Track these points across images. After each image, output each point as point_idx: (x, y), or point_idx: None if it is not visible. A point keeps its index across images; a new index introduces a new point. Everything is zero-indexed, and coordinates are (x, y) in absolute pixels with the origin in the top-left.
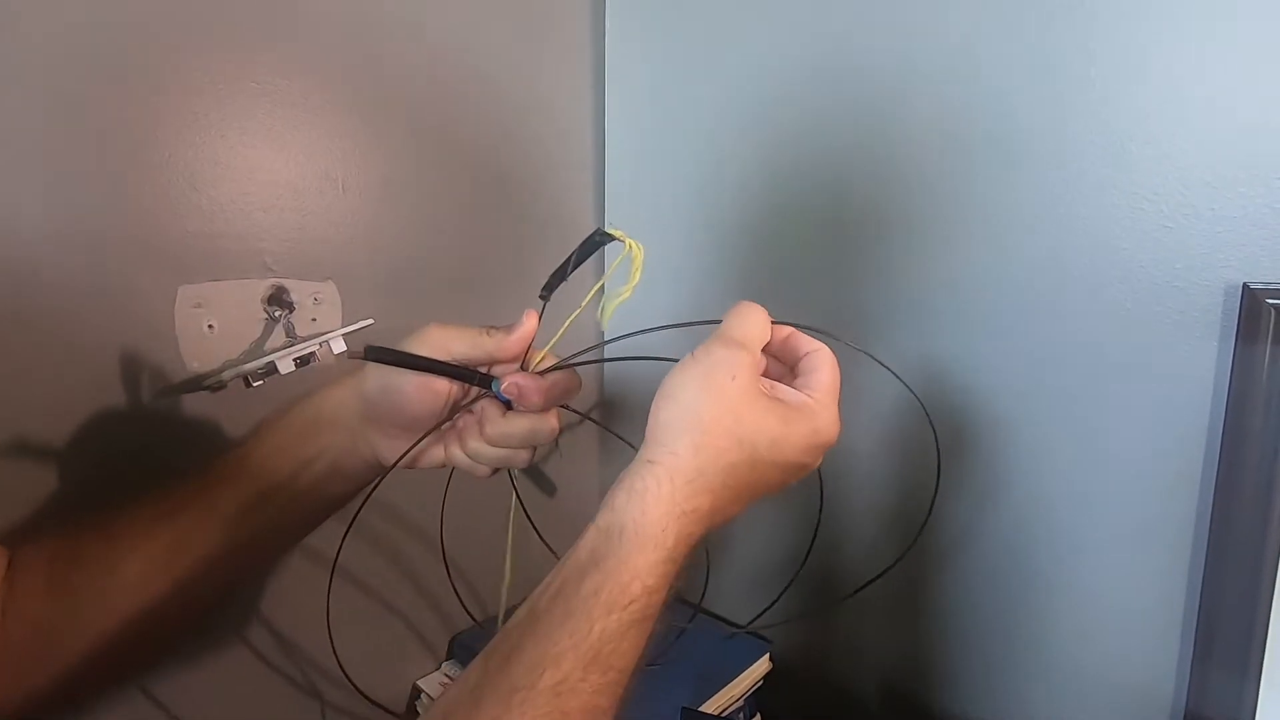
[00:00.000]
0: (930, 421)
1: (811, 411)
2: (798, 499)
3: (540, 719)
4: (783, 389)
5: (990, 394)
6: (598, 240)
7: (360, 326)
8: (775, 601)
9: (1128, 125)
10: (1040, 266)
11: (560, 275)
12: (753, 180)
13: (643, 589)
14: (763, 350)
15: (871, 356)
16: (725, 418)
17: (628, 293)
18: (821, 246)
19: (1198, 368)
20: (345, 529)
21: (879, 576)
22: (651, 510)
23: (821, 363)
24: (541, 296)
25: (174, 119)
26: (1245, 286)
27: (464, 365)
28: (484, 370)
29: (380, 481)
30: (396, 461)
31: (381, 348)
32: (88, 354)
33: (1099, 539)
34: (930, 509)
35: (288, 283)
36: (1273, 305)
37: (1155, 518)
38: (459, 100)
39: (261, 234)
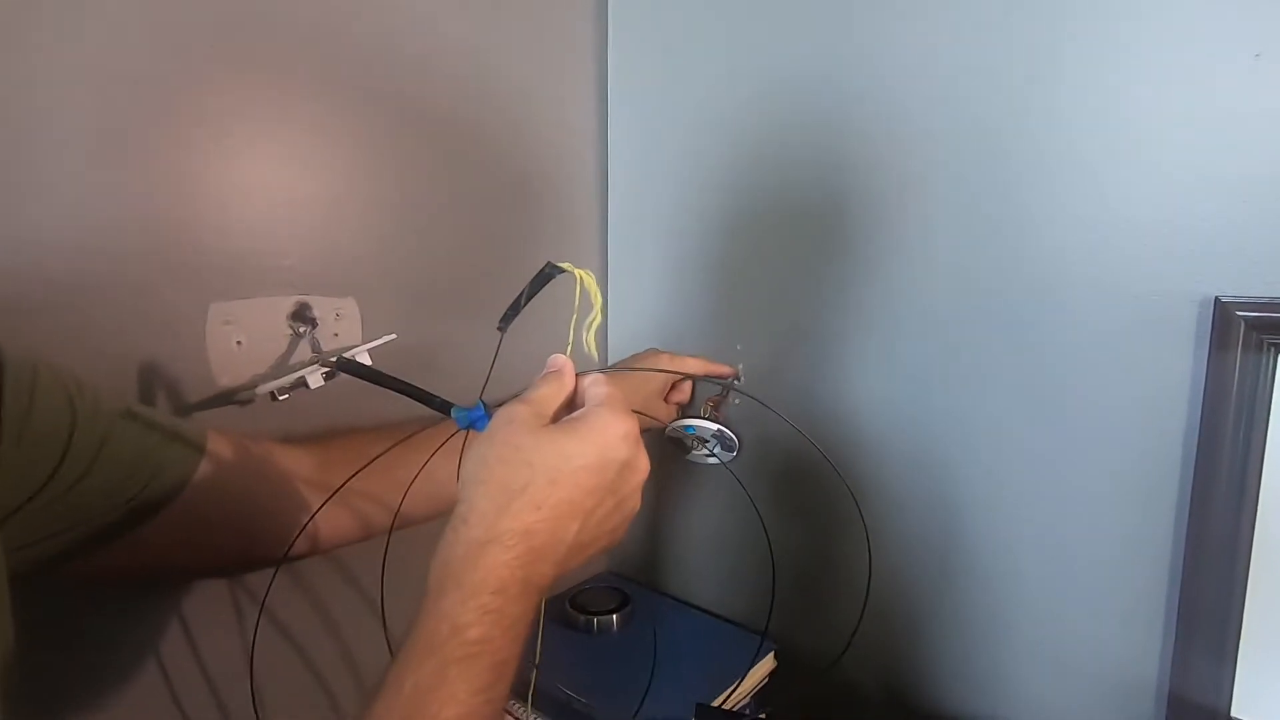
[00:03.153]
0: (833, 467)
1: (591, 415)
2: (797, 502)
3: None
4: (568, 418)
5: (975, 403)
6: (548, 273)
7: (385, 341)
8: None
9: (1108, 146)
10: (1023, 282)
11: (515, 309)
12: (743, 199)
13: (451, 629)
14: (567, 401)
15: (762, 403)
16: (507, 452)
17: (598, 317)
18: (796, 264)
19: (1174, 376)
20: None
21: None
22: (448, 553)
23: (595, 382)
24: (499, 329)
25: (206, 143)
26: (1217, 300)
27: (427, 390)
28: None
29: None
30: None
31: (351, 361)
32: (121, 367)
33: (1086, 537)
34: (869, 564)
35: (311, 299)
36: (1242, 317)
37: (1138, 516)
38: (473, 121)
39: (286, 252)
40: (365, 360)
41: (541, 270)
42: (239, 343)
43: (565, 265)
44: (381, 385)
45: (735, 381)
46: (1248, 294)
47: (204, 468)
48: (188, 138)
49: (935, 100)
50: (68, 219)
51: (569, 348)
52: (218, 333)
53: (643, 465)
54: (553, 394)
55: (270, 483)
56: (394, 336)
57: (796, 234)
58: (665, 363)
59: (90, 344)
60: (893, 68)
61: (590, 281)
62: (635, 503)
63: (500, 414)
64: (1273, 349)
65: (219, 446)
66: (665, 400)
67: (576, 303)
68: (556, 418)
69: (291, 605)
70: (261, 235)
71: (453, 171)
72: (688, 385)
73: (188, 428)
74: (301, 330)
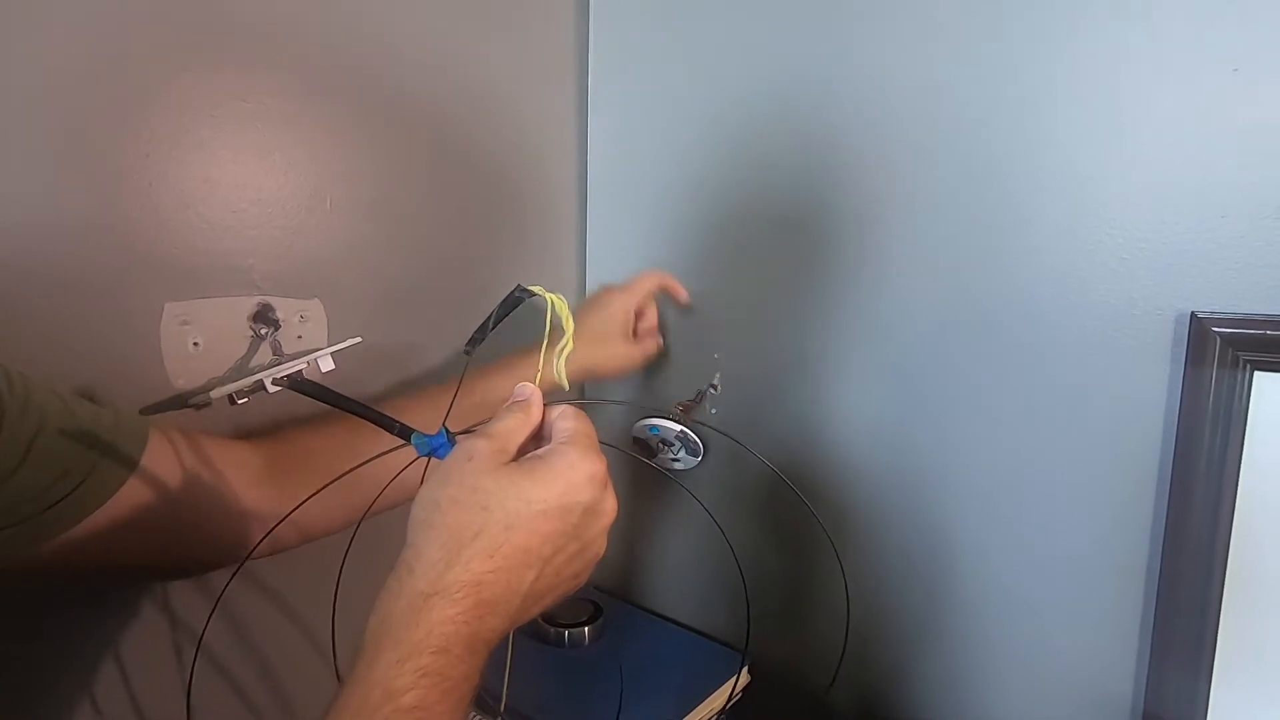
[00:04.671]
0: (798, 494)
1: (555, 454)
2: (772, 513)
3: None
4: (531, 455)
5: (957, 416)
6: (518, 297)
7: (349, 344)
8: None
9: (1088, 165)
10: (1005, 295)
11: (482, 332)
12: (725, 209)
13: (384, 695)
14: (534, 434)
15: (735, 440)
16: (462, 494)
17: (570, 344)
18: (776, 274)
19: (1151, 391)
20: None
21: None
22: (388, 607)
23: (562, 416)
24: (466, 352)
25: (166, 136)
26: (1193, 315)
27: (387, 414)
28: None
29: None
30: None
31: (309, 381)
32: (71, 368)
33: (1061, 551)
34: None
35: (274, 300)
36: (1218, 332)
37: (1113, 530)
38: (447, 122)
39: (249, 252)
40: (328, 364)
41: (511, 293)
42: (196, 344)
43: (536, 289)
44: (336, 407)
45: (711, 389)
46: (1224, 309)
47: (142, 467)
48: (147, 132)
49: (919, 113)
50: (19, 214)
51: (538, 376)
52: (173, 333)
53: (609, 509)
54: (517, 427)
55: (213, 484)
56: (359, 340)
57: (778, 244)
58: (617, 295)
59: (39, 342)
60: (877, 79)
61: (562, 306)
62: (600, 548)
63: (458, 449)
64: (1248, 365)
65: (160, 444)
66: (635, 336)
67: (547, 328)
68: (522, 453)
69: (232, 642)
70: (224, 234)
71: (427, 175)
72: (651, 311)
73: (128, 422)
74: (263, 332)
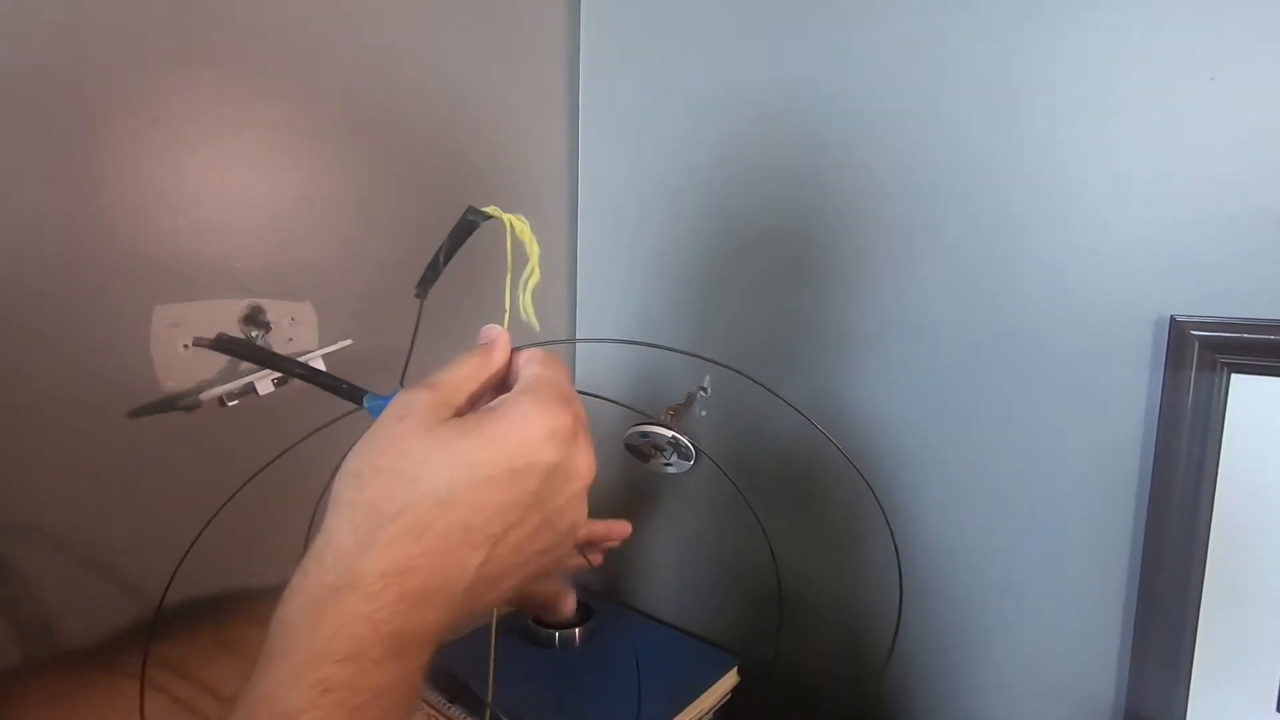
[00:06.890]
0: (850, 461)
1: (506, 406)
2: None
3: None
4: (480, 409)
5: (936, 417)
6: (470, 221)
7: (339, 347)
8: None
9: (1077, 174)
10: (991, 300)
11: (434, 270)
12: (718, 214)
13: (270, 717)
14: (496, 382)
15: (772, 391)
16: (386, 461)
17: (535, 273)
18: (772, 277)
19: (1132, 392)
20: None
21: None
22: (288, 607)
23: (529, 360)
24: (417, 295)
25: (153, 140)
26: (1172, 319)
27: (336, 376)
28: (352, 384)
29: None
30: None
31: (234, 338)
32: (60, 373)
33: (1045, 551)
34: (900, 589)
35: (264, 303)
36: (1196, 335)
37: (1094, 530)
38: (436, 124)
39: (239, 254)
40: (318, 367)
41: (462, 217)
42: (186, 346)
43: (490, 210)
44: (269, 367)
45: (701, 392)
46: (1202, 314)
47: None
48: (135, 136)
49: (909, 120)
50: (5, 218)
51: (505, 315)
52: (163, 335)
53: (581, 468)
54: (469, 375)
55: None
56: (349, 342)
57: (767, 248)
58: None
59: (29, 346)
60: (870, 86)
61: (523, 228)
62: (576, 515)
63: (392, 405)
64: (1225, 367)
65: None
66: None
67: (509, 258)
68: (477, 405)
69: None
70: (214, 237)
71: (418, 178)
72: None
73: None
74: (254, 334)
